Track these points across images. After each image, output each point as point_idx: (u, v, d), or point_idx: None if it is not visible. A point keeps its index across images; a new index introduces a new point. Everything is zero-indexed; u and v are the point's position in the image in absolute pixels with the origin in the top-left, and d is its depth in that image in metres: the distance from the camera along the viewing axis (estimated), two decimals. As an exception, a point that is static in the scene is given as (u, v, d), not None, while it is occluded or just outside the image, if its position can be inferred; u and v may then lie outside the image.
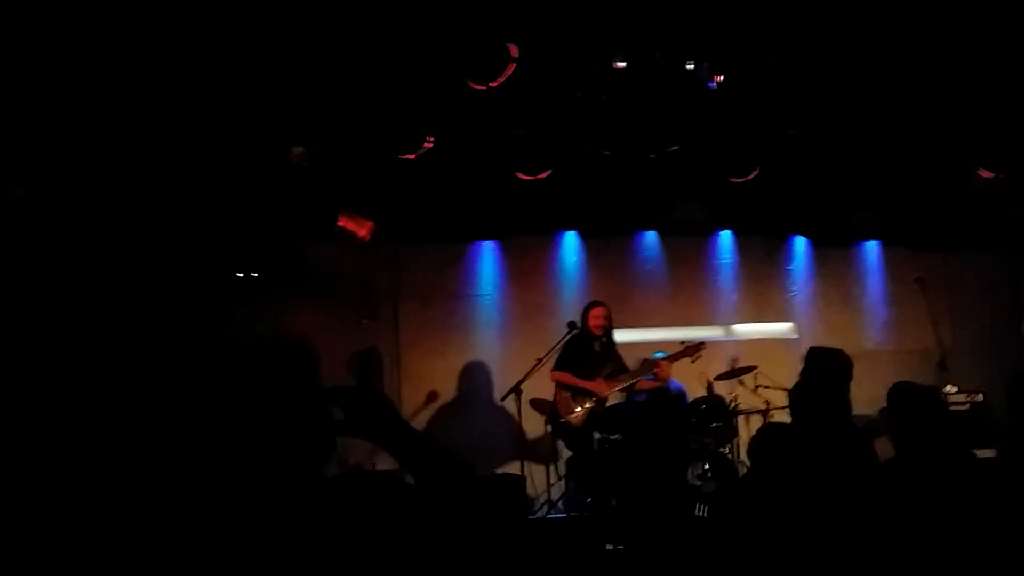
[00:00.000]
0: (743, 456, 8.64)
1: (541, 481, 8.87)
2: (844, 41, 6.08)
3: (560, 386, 8.16)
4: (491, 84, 5.98)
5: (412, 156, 7.14)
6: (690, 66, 6.17)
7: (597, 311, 8.18)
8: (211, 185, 7.05)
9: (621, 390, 8.22)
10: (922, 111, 7.21)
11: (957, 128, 7.45)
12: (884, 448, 4.12)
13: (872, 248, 10.57)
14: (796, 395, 4.39)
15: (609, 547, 7.18)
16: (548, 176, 7.97)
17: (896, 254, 10.45)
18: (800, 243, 10.38)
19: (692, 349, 8.24)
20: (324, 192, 7.72)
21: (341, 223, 7.94)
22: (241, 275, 8.01)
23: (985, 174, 7.85)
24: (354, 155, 7.37)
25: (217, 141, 6.68)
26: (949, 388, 8.84)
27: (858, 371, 6.95)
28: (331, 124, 6.71)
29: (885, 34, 6.00)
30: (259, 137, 6.81)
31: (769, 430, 4.52)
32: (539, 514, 8.64)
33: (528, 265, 9.75)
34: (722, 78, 6.36)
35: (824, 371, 4.27)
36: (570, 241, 9.85)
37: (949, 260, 10.44)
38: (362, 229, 8.07)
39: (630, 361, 8.49)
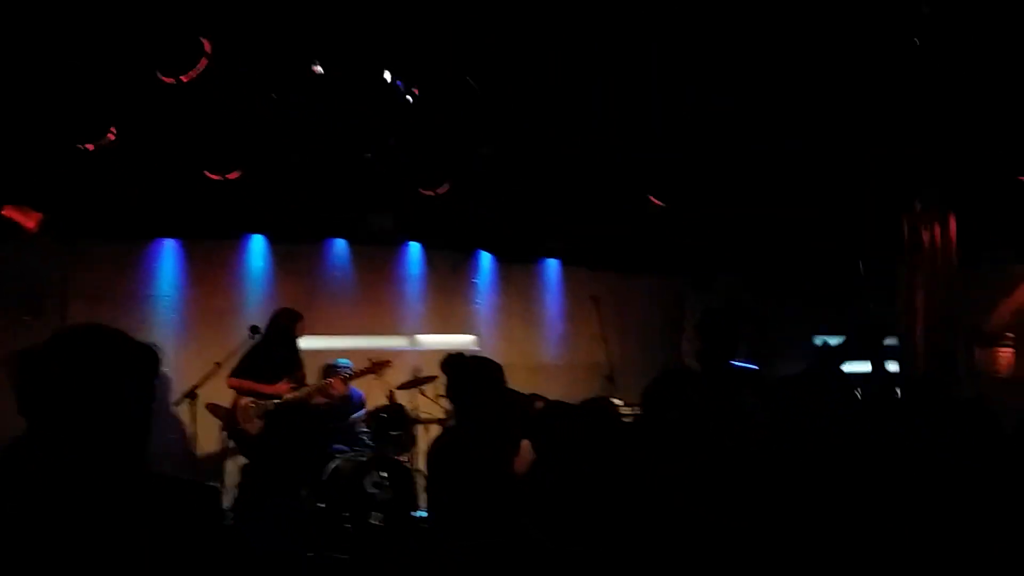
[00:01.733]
0: (421, 464, 8.92)
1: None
2: (534, 68, 6.47)
3: (241, 392, 8.09)
4: (182, 78, 5.88)
5: (91, 147, 6.85)
6: (387, 76, 6.35)
7: (304, 322, 8.23)
8: None
9: (301, 397, 8.23)
10: (602, 141, 7.78)
11: (633, 157, 8.09)
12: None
13: (553, 266, 11.24)
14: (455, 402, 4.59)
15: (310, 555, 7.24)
16: (237, 177, 7.87)
17: (574, 273, 11.16)
18: (486, 258, 10.85)
19: (378, 366, 8.40)
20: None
21: (6, 213, 7.49)
22: None
23: (656, 203, 8.55)
24: (25, 141, 6.96)
25: None
26: (616, 401, 9.53)
27: (535, 383, 7.44)
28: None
29: (573, 64, 6.44)
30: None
31: (444, 438, 4.69)
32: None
33: (211, 268, 9.55)
34: (418, 91, 6.61)
35: (475, 379, 4.46)
36: (257, 245, 9.74)
37: (621, 280, 11.27)
38: (29, 220, 7.66)
39: (313, 368, 8.55)
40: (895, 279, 9.29)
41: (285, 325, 8.22)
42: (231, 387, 8.09)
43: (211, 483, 8.01)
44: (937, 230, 8.98)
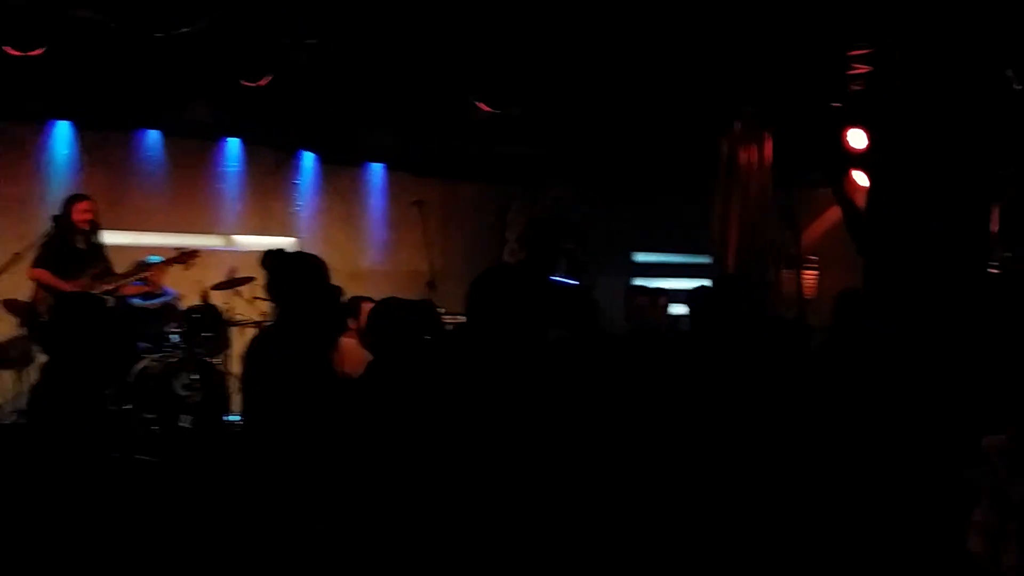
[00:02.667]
0: (235, 368, 8.79)
1: (8, 387, 8.33)
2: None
3: (41, 286, 7.72)
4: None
5: None
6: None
7: (82, 204, 7.83)
8: None
9: (107, 293, 7.91)
10: (431, 43, 7.70)
11: (461, 61, 8.05)
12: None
13: (378, 170, 11.14)
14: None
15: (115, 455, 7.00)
16: (42, 55, 7.39)
17: (400, 178, 11.10)
18: (308, 158, 10.66)
19: (185, 256, 8.27)
20: None
21: None
22: None
23: (484, 108, 8.55)
24: None
25: None
26: (441, 310, 9.60)
27: (356, 288, 7.37)
28: None
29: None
30: None
31: (262, 337, 4.62)
32: (7, 421, 8.14)
33: (11, 154, 9.03)
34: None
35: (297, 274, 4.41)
36: (62, 131, 9.28)
37: (447, 186, 11.29)
38: None
39: (121, 265, 8.24)
40: (711, 198, 9.58)
41: (63, 209, 7.87)
42: (31, 278, 7.71)
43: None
44: (754, 152, 9.29)
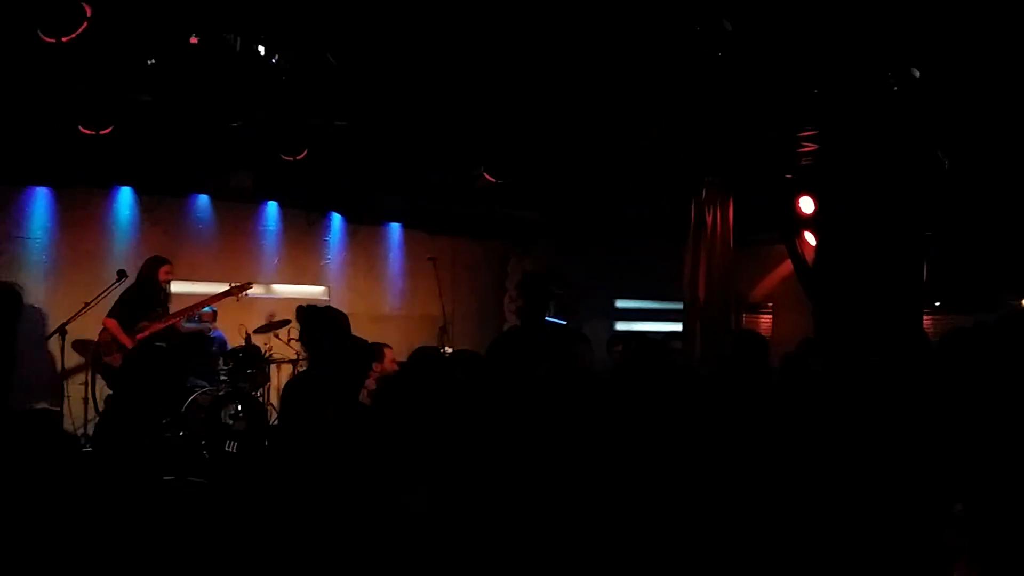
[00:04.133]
0: (273, 399, 8.88)
1: (79, 416, 8.40)
2: (388, 51, 6.41)
3: (106, 330, 7.80)
4: (63, 39, 5.59)
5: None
6: (260, 49, 6.18)
7: (166, 267, 7.90)
8: None
9: (162, 331, 7.94)
10: (442, 123, 7.83)
11: (469, 136, 8.18)
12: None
13: (396, 229, 11.27)
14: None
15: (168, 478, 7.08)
16: (109, 132, 7.53)
17: (415, 235, 11.23)
18: (337, 219, 10.78)
19: (237, 289, 8.22)
20: None
21: None
22: None
23: (488, 178, 8.68)
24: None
25: None
26: (447, 349, 9.71)
27: (378, 331, 7.47)
28: None
29: (419, 52, 6.41)
30: None
31: (297, 378, 4.74)
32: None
33: (82, 214, 9.12)
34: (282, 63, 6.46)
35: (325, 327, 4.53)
36: (125, 196, 9.36)
37: (456, 243, 11.41)
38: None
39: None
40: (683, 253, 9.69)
41: (148, 270, 7.94)
42: (105, 325, 7.75)
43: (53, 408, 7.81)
44: (719, 213, 9.42)
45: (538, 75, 6.55)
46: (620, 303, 12.02)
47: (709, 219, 9.44)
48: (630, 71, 6.42)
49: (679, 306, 9.88)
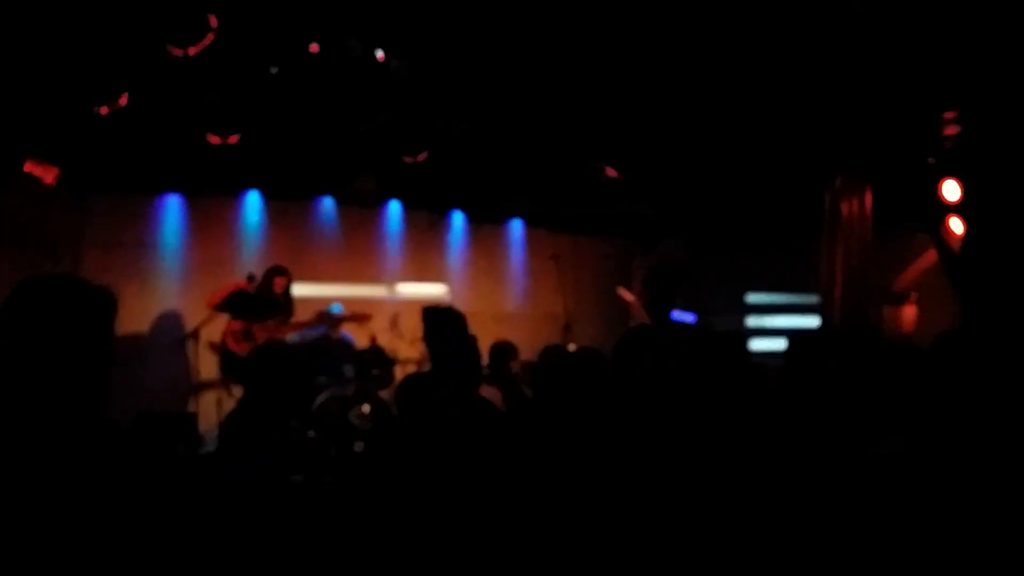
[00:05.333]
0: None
1: (212, 417, 8.76)
2: (509, 52, 6.45)
3: (230, 318, 8.11)
4: (190, 51, 5.84)
5: (106, 110, 6.78)
6: (379, 54, 6.31)
7: (281, 280, 8.25)
8: None
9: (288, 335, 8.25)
10: (566, 116, 7.83)
11: (591, 133, 8.15)
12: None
13: (517, 227, 11.32)
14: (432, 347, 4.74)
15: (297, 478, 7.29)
16: (237, 141, 7.83)
17: (537, 233, 11.25)
18: (458, 218, 10.90)
19: (359, 318, 8.60)
20: (9, 136, 7.17)
21: (27, 168, 7.41)
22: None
23: (611, 173, 8.62)
24: (44, 102, 6.88)
25: None
26: (571, 346, 9.69)
27: (501, 329, 7.51)
28: (24, 71, 6.23)
29: (540, 52, 6.43)
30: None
31: (411, 379, 4.83)
32: (210, 448, 8.55)
33: (212, 221, 9.50)
34: (403, 68, 6.58)
35: (447, 327, 4.61)
36: (253, 201, 9.70)
37: (578, 241, 11.38)
38: (48, 175, 7.58)
39: (304, 309, 8.62)
40: (818, 246, 9.42)
41: (265, 280, 8.27)
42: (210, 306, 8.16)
43: (188, 412, 8.14)
44: (855, 203, 9.11)
45: (661, 69, 6.47)
46: (751, 297, 11.77)
47: (845, 209, 9.13)
48: (755, 62, 6.29)
49: (812, 299, 9.59)
